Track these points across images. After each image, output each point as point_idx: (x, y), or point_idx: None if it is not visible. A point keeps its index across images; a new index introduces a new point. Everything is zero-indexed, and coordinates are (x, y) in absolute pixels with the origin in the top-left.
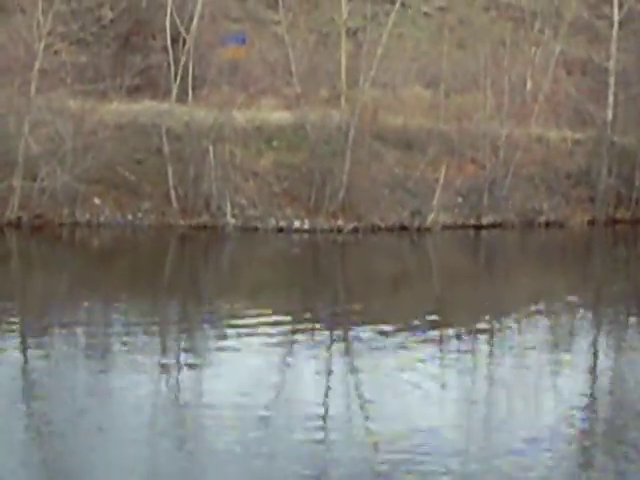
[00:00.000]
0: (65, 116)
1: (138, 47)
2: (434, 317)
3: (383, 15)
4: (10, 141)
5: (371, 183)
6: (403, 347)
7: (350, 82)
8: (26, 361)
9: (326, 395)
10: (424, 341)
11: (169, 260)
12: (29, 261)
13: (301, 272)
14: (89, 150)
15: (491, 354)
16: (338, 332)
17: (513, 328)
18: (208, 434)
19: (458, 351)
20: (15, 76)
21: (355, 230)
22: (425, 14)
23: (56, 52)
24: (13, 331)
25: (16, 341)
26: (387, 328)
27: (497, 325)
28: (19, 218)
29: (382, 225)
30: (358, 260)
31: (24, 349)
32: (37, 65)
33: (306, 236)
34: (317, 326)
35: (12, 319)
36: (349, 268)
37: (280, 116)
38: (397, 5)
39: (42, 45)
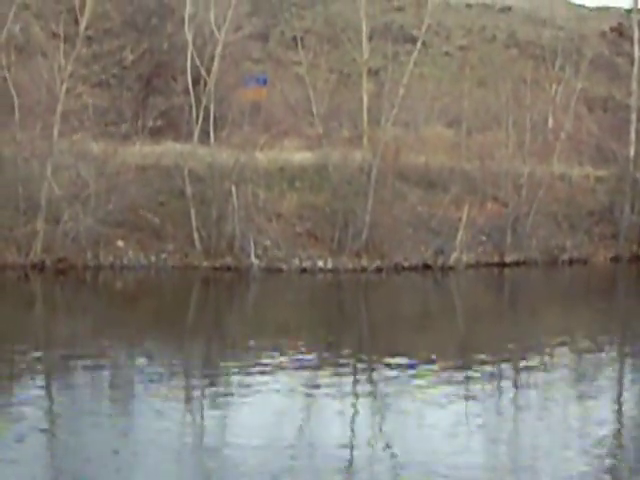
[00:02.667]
0: (87, 159)
1: (159, 89)
2: (459, 356)
3: (404, 54)
4: (33, 184)
5: (394, 222)
6: (428, 386)
7: (372, 122)
8: (51, 402)
9: (351, 436)
10: (449, 379)
11: (193, 302)
12: (53, 304)
13: (326, 312)
14: (112, 193)
15: (516, 395)
16: (363, 372)
17: (538, 367)
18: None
19: (483, 391)
20: (37, 119)
21: (379, 269)
22: (446, 53)
23: (78, 95)
24: (38, 372)
25: (41, 382)
26: (412, 368)
27: (522, 364)
28: (43, 261)
29: (406, 264)
30: (382, 299)
31: (49, 390)
32: (59, 108)
33: (330, 276)
34: (341, 366)
35: (37, 361)
36: (373, 308)
37: (302, 157)
38: (418, 44)
39: (64, 88)
